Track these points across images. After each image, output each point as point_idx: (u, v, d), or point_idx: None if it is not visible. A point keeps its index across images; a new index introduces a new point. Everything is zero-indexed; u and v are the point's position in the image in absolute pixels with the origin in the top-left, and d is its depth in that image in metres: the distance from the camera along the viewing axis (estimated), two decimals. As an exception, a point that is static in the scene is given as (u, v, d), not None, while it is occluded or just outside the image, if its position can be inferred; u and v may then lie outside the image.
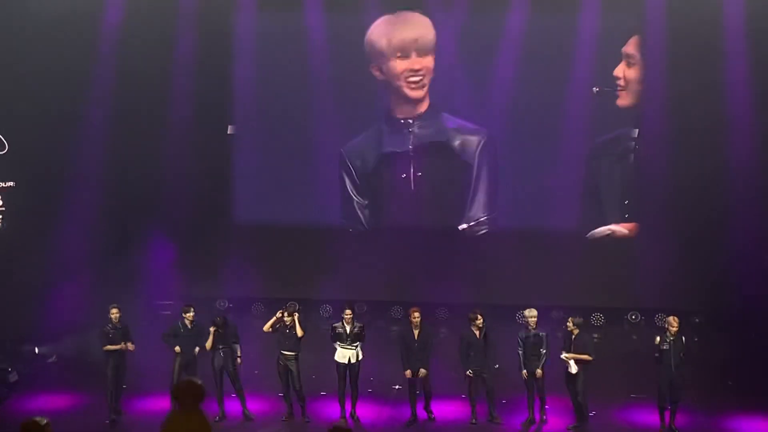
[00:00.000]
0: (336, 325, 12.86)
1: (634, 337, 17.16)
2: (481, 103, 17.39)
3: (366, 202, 17.94)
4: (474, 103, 17.44)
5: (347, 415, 12.64)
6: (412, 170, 17.73)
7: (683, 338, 12.22)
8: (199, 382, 6.39)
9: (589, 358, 12.15)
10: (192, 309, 13.10)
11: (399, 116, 17.73)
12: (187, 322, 13.02)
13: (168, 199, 17.43)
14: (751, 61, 16.09)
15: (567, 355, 12.14)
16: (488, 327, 12.67)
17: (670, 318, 12.28)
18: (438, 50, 17.40)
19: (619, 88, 17.13)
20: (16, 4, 16.40)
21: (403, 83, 17.56)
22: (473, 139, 17.56)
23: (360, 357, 12.70)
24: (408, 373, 12.62)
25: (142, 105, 16.93)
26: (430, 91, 17.62)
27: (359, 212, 17.94)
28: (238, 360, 12.91)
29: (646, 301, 16.87)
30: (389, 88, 17.72)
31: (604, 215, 17.58)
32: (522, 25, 16.87)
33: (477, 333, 12.57)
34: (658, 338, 12.32)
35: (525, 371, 12.41)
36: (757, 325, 15.67)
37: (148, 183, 17.26)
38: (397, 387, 13.55)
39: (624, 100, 17.21)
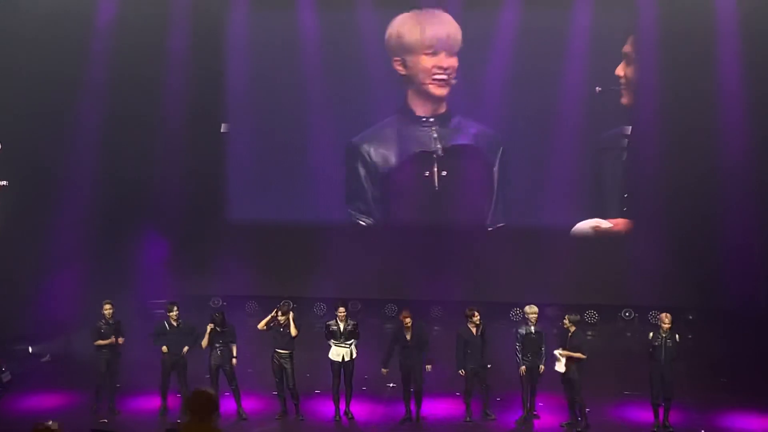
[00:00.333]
0: (330, 323, 12.82)
1: (628, 334, 17.24)
2: (476, 103, 17.43)
3: (379, 193, 17.94)
4: (474, 102, 17.49)
5: (341, 412, 12.64)
6: (435, 169, 17.68)
7: (676, 335, 12.23)
8: (212, 392, 6.30)
9: (583, 356, 12.15)
10: (176, 307, 12.79)
11: (420, 114, 17.72)
12: (172, 320, 12.80)
13: (161, 197, 17.43)
14: (744, 60, 16.15)
15: (562, 351, 12.13)
16: (485, 324, 12.63)
17: (663, 315, 12.28)
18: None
19: (621, 86, 17.18)
20: (7, 3, 16.33)
21: (428, 80, 17.56)
22: (494, 145, 17.60)
23: (354, 355, 12.66)
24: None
25: (135, 103, 16.89)
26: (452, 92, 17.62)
27: (371, 204, 17.95)
28: (233, 359, 12.86)
29: (640, 298, 16.90)
30: (409, 84, 17.68)
31: (598, 213, 17.63)
32: (515, 24, 16.90)
33: (474, 330, 12.47)
34: (651, 334, 12.35)
35: (523, 368, 12.35)
36: (749, 322, 15.74)
37: (142, 181, 17.24)
38: (391, 385, 13.53)
39: (627, 99, 17.27)
